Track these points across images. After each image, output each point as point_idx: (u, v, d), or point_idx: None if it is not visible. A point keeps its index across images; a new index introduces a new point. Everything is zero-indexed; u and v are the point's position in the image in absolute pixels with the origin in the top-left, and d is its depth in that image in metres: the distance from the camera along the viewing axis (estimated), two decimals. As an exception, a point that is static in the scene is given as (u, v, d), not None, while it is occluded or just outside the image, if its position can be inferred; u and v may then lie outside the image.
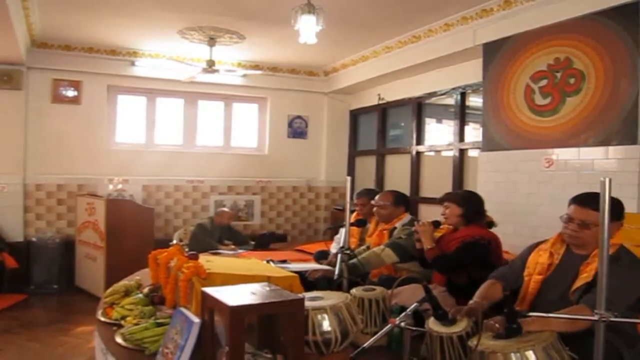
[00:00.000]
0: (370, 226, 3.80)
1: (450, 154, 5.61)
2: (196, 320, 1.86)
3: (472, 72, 5.01)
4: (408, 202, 3.65)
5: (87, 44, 6.11)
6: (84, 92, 6.36)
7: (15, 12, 4.29)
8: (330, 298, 2.10)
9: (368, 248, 3.50)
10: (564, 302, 2.08)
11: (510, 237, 3.24)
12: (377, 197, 3.66)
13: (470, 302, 2.19)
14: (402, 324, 1.85)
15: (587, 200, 2.17)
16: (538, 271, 2.27)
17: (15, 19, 4.33)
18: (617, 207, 2.13)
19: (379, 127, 6.92)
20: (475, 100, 5.35)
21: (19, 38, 4.87)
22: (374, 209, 3.63)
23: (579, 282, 2.10)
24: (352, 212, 3.79)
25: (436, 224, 3.03)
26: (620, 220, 2.17)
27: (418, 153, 6.17)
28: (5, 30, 4.46)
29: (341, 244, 2.81)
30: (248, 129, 7.39)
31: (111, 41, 5.99)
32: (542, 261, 2.28)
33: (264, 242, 6.27)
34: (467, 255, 2.82)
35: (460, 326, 1.92)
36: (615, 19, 3.58)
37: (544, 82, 4.12)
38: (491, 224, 3.08)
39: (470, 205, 3.01)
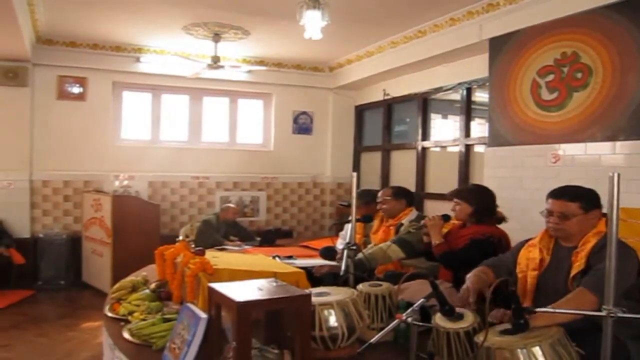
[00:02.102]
0: (375, 223, 3.79)
1: (456, 149, 5.59)
2: (203, 315, 1.86)
3: (478, 67, 4.99)
4: (410, 196, 3.62)
5: (92, 41, 6.12)
6: (90, 89, 6.38)
7: (20, 9, 4.30)
8: (337, 294, 2.10)
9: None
10: (565, 295, 2.09)
11: (516, 232, 3.22)
12: (379, 194, 3.66)
13: (462, 287, 2.20)
14: (409, 320, 1.84)
15: (563, 193, 2.26)
16: (532, 267, 2.29)
17: (20, 15, 4.34)
18: (595, 196, 2.22)
19: (385, 122, 6.90)
20: (481, 96, 5.33)
21: (24, 35, 4.89)
22: (378, 205, 3.63)
23: (574, 271, 2.13)
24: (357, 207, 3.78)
25: (446, 218, 3.02)
26: (600, 208, 2.19)
27: (424, 149, 6.16)
28: (11, 27, 4.47)
29: (347, 240, 2.81)
30: (253, 125, 7.39)
31: (116, 37, 6.01)
32: (533, 256, 2.31)
33: (269, 238, 6.28)
34: (475, 253, 2.79)
35: (467, 322, 1.92)
36: (623, 13, 3.55)
37: (550, 77, 4.09)
38: (501, 219, 3.06)
39: (481, 204, 2.98)
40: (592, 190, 2.23)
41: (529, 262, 2.31)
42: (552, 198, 2.28)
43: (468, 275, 2.27)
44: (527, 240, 2.43)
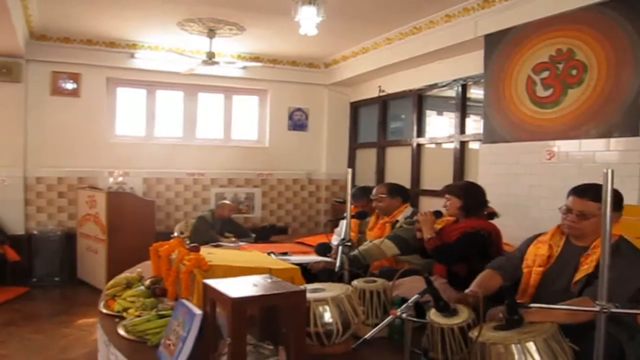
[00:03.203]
0: (371, 220, 3.79)
1: (451, 146, 5.60)
2: (198, 312, 1.86)
3: (473, 63, 4.99)
4: (405, 193, 3.63)
5: (86, 36, 6.09)
6: (84, 85, 6.34)
7: (13, 4, 4.27)
8: (332, 290, 2.11)
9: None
10: (566, 294, 2.09)
11: (511, 229, 3.25)
12: (373, 191, 3.66)
13: (467, 290, 2.20)
14: (404, 315, 1.85)
15: (586, 191, 2.20)
16: (538, 263, 2.27)
17: (13, 11, 4.30)
18: (617, 198, 2.13)
19: (380, 119, 6.91)
20: (476, 92, 5.34)
21: (17, 30, 4.85)
22: (374, 203, 3.64)
23: (580, 274, 2.10)
24: (352, 204, 3.77)
25: (437, 214, 3.04)
26: (619, 211, 2.17)
27: (419, 145, 6.16)
28: (4, 23, 4.44)
29: (342, 236, 2.81)
30: (248, 121, 7.38)
31: (110, 33, 5.97)
32: (541, 253, 2.29)
33: (264, 234, 6.28)
34: (467, 246, 2.83)
35: (462, 317, 1.93)
36: (619, 10, 3.56)
37: (545, 74, 4.10)
38: (493, 215, 3.08)
39: (469, 198, 3.02)
40: (616, 191, 2.02)
41: (536, 258, 2.29)
42: (574, 195, 2.23)
43: (473, 282, 2.26)
44: (537, 236, 2.40)
